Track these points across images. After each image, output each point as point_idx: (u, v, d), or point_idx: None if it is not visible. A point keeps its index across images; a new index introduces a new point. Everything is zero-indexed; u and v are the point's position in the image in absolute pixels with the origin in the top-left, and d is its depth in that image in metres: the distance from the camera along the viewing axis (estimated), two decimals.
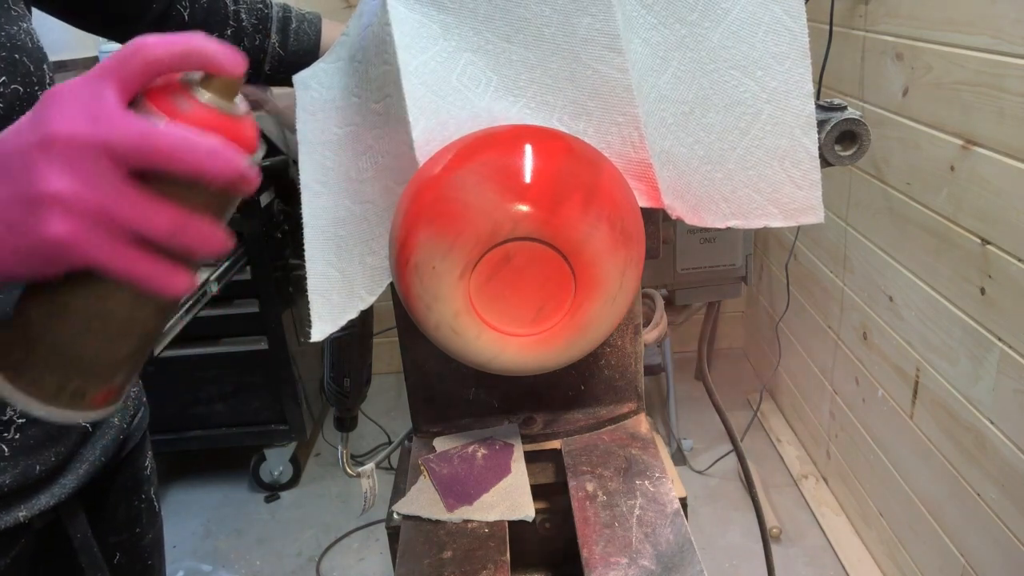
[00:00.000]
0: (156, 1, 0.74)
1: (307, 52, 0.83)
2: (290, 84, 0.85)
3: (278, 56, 0.82)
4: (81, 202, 0.35)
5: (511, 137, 0.56)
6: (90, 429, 0.69)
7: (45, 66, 0.59)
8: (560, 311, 0.57)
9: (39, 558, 0.67)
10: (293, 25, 0.82)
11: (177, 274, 0.38)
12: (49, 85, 0.60)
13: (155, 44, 0.36)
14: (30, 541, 0.65)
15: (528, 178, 0.53)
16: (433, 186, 0.54)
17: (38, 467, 0.63)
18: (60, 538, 0.68)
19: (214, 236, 0.38)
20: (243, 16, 0.80)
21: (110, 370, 0.41)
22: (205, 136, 0.36)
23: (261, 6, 0.82)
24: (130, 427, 0.76)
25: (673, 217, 0.64)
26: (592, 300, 0.57)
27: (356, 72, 0.65)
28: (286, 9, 0.83)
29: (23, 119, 0.36)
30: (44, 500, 0.64)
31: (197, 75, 0.38)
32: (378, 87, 0.62)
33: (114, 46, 1.81)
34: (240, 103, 0.40)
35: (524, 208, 0.53)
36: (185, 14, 0.76)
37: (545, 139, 0.56)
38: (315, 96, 0.69)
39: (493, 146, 0.55)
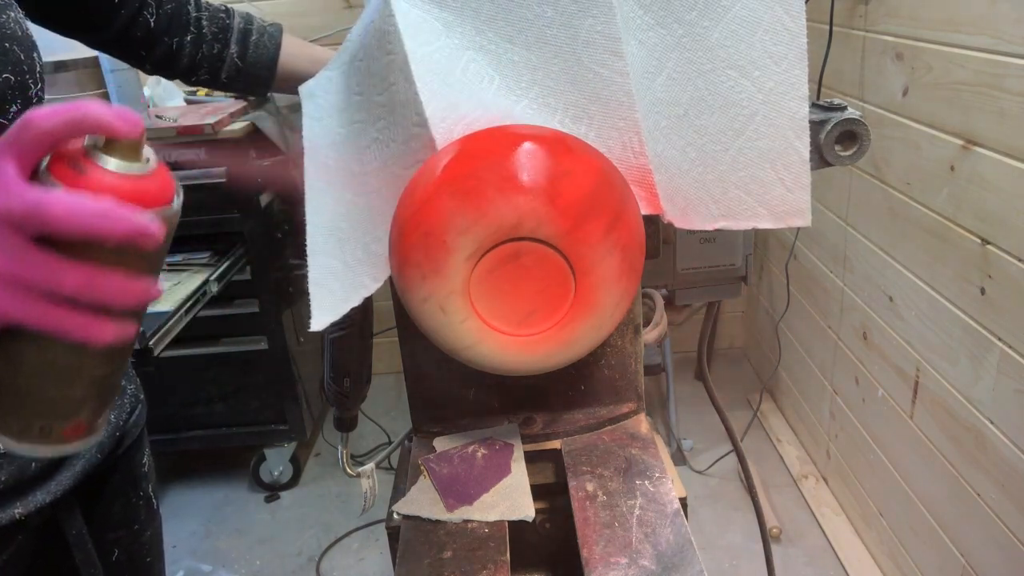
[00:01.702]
0: (124, 8, 0.76)
1: (264, 65, 0.85)
2: (247, 94, 0.87)
3: (235, 66, 0.84)
4: None
5: (555, 140, 0.56)
6: None
7: (35, 54, 0.60)
8: (550, 321, 0.57)
9: (36, 555, 0.67)
10: (253, 37, 0.84)
11: (100, 325, 0.41)
12: (40, 73, 0.61)
13: (44, 117, 0.38)
14: (26, 538, 0.66)
15: (564, 186, 0.54)
16: (468, 161, 0.54)
17: (33, 464, 0.63)
18: (56, 535, 0.69)
19: (127, 288, 0.41)
20: (204, 24, 0.83)
21: (71, 409, 0.44)
22: (96, 199, 0.39)
23: (223, 16, 0.84)
24: (127, 424, 0.76)
25: (664, 222, 0.64)
26: (583, 320, 0.57)
27: (358, 71, 0.66)
28: (248, 21, 0.86)
29: None
30: (40, 497, 0.64)
31: (101, 139, 0.40)
32: (381, 78, 0.61)
33: None
34: (147, 159, 0.42)
35: (552, 212, 0.53)
36: (151, 20, 0.79)
37: (586, 154, 0.56)
38: (320, 103, 0.70)
39: (538, 143, 0.55)
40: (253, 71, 0.85)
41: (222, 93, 1.97)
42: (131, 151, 0.41)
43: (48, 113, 0.38)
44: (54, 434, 0.44)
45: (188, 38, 0.82)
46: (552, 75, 0.60)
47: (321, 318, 0.65)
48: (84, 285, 0.40)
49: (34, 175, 0.39)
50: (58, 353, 0.42)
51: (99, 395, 0.46)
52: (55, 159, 0.40)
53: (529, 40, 0.60)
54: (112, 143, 0.40)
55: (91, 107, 0.39)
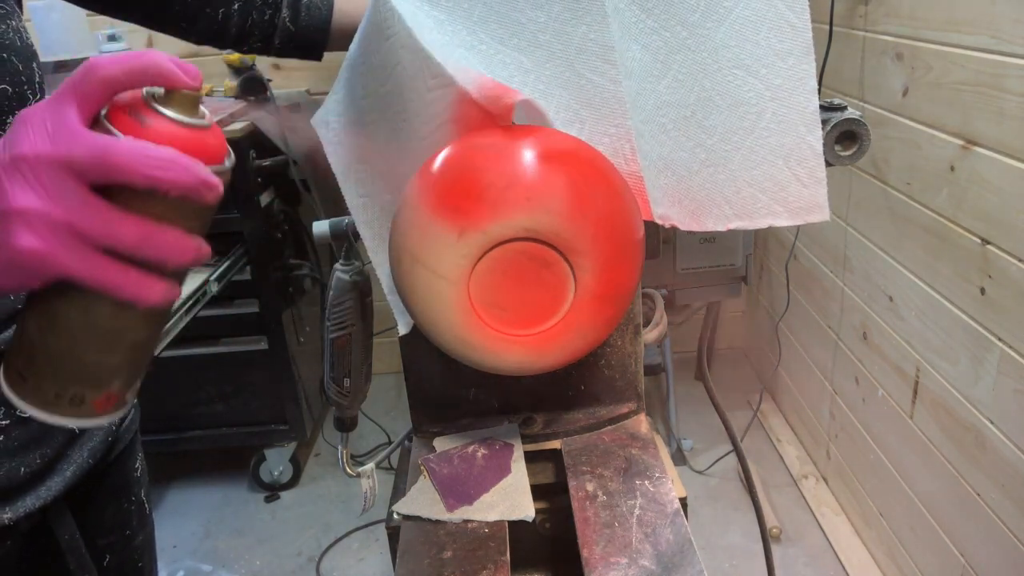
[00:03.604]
0: None
1: (319, 27, 0.82)
2: (302, 57, 0.83)
3: (288, 31, 0.81)
4: (47, 216, 0.37)
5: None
6: (76, 431, 0.68)
7: (35, 64, 0.59)
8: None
9: (26, 560, 0.67)
10: (304, 0, 0.81)
11: (151, 283, 0.40)
12: (39, 84, 0.60)
13: (108, 64, 0.38)
14: (16, 543, 0.65)
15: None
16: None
17: (23, 469, 0.62)
18: (47, 540, 0.68)
19: (183, 245, 0.40)
20: None
21: (106, 377, 0.43)
22: (160, 148, 0.38)
23: None
24: (119, 429, 0.75)
25: (667, 226, 0.63)
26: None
27: (361, 75, 0.65)
28: None
29: None
30: (30, 502, 0.63)
31: (159, 91, 0.40)
32: (383, 67, 0.61)
33: (113, 46, 1.81)
34: (204, 114, 0.41)
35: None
36: None
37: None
38: (335, 127, 0.70)
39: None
40: (307, 34, 0.82)
41: (224, 92, 1.97)
42: (190, 104, 0.40)
43: (112, 60, 0.38)
44: (86, 404, 0.43)
45: (235, 7, 0.78)
46: (543, 79, 0.60)
47: (405, 319, 0.70)
48: (142, 239, 0.38)
49: (94, 123, 0.39)
50: (102, 313, 0.40)
51: (134, 363, 0.44)
52: (114, 108, 0.39)
53: (521, 43, 0.59)
54: (171, 95, 0.40)
55: (155, 56, 0.38)
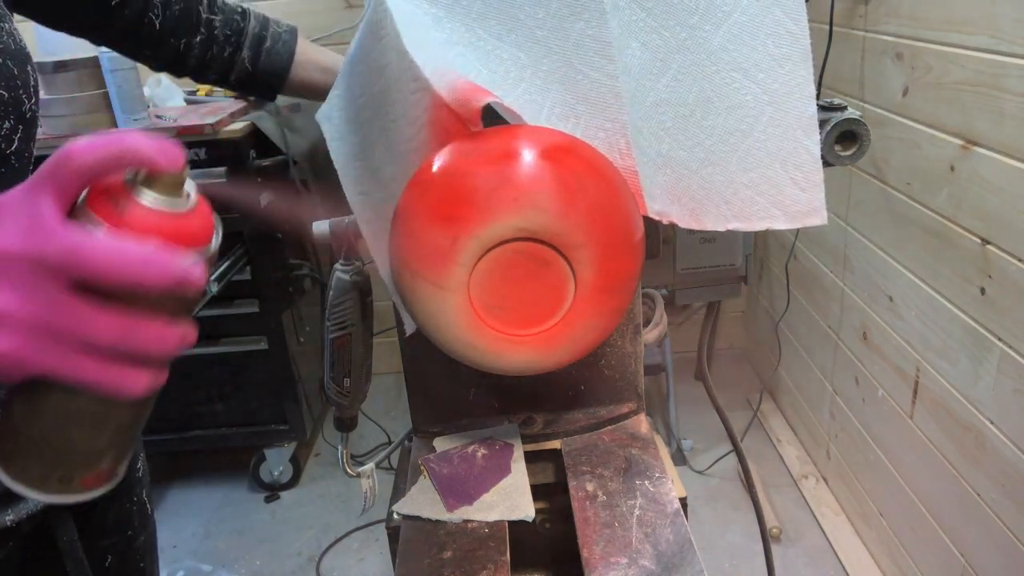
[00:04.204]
0: (126, 8, 0.75)
1: (276, 73, 0.84)
2: (256, 96, 0.87)
3: (245, 71, 0.84)
4: (23, 316, 0.36)
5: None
6: None
7: (29, 67, 0.59)
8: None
9: (26, 561, 0.66)
10: (267, 44, 0.83)
11: (133, 375, 0.38)
12: (34, 87, 0.59)
13: (83, 151, 0.36)
14: (17, 545, 0.65)
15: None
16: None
17: None
18: (47, 542, 0.68)
19: (166, 335, 0.39)
20: (216, 25, 0.81)
21: (92, 459, 0.43)
22: (140, 244, 0.37)
23: (238, 18, 0.83)
24: None
25: (665, 223, 0.63)
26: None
27: (359, 74, 0.66)
28: (263, 26, 0.84)
29: None
30: (31, 504, 0.63)
31: (142, 172, 0.38)
32: (376, 68, 0.61)
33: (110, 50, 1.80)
34: (189, 193, 0.40)
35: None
36: (157, 22, 0.77)
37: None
38: (336, 123, 0.71)
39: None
40: (263, 78, 0.84)
41: (223, 92, 1.97)
42: (173, 186, 0.38)
43: (88, 146, 0.36)
44: (75, 483, 0.42)
45: (197, 39, 0.80)
46: (540, 74, 0.60)
47: (411, 320, 0.68)
48: (121, 336, 0.37)
49: (72, 211, 0.37)
50: (86, 403, 0.40)
51: (123, 443, 0.44)
52: (94, 193, 0.37)
53: (519, 39, 0.59)
54: (153, 176, 0.38)
55: (132, 140, 0.37)
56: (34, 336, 0.36)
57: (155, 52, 0.80)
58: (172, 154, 0.37)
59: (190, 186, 0.40)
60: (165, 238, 0.38)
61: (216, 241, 0.41)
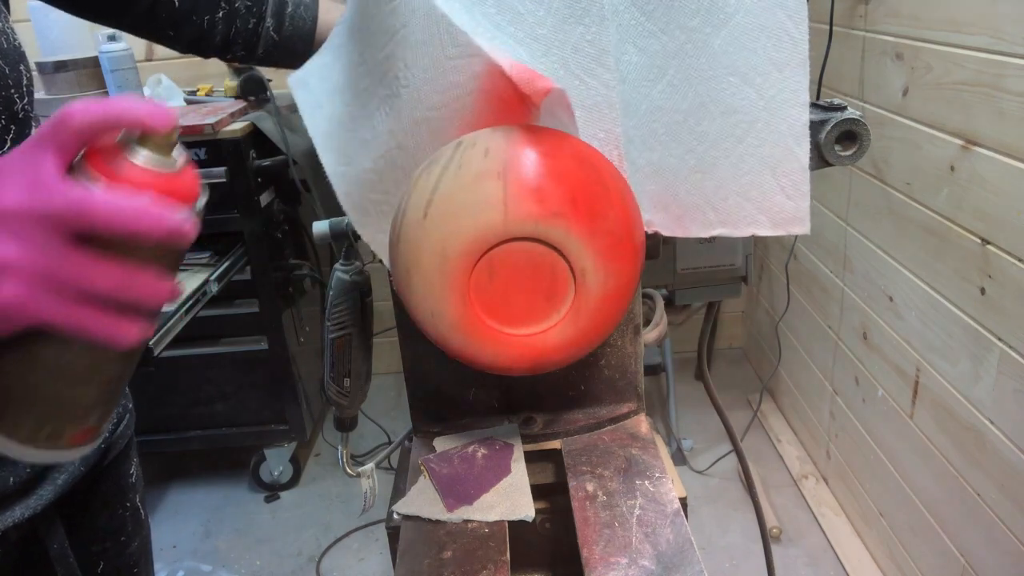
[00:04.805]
0: None
1: (302, 37, 0.82)
2: (284, 66, 0.83)
3: (272, 40, 0.81)
4: (25, 267, 0.38)
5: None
6: None
7: (22, 67, 0.58)
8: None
9: (16, 569, 0.66)
10: (289, 9, 0.81)
11: (126, 325, 0.41)
12: (27, 87, 0.59)
13: (82, 112, 0.39)
14: (7, 552, 0.64)
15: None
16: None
17: (12, 479, 0.61)
18: (38, 548, 0.67)
19: (158, 287, 0.41)
20: None
21: (82, 413, 0.45)
22: (136, 197, 0.39)
23: None
24: (113, 435, 0.74)
25: (649, 232, 0.64)
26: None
27: (357, 40, 0.64)
28: None
29: None
30: (19, 512, 0.62)
31: (135, 134, 0.41)
32: (384, 32, 0.60)
33: (112, 47, 1.81)
34: (178, 156, 0.42)
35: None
36: (176, 1, 0.76)
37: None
38: (315, 90, 0.69)
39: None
40: (290, 45, 0.82)
41: (225, 91, 1.97)
42: (164, 147, 0.41)
43: (85, 108, 0.38)
44: (63, 439, 0.44)
45: (219, 15, 0.78)
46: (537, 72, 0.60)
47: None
48: (118, 285, 0.40)
49: (69, 170, 0.40)
50: (79, 353, 0.42)
51: (110, 398, 0.46)
52: (90, 153, 0.40)
53: (518, 34, 0.59)
54: (146, 138, 0.41)
55: (127, 103, 0.39)
56: (36, 285, 0.38)
57: (178, 32, 0.78)
58: (163, 116, 0.40)
59: (178, 150, 0.43)
60: (159, 194, 0.40)
61: (203, 200, 0.44)
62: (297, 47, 0.82)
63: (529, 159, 0.54)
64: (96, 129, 0.39)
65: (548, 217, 0.53)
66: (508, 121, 0.57)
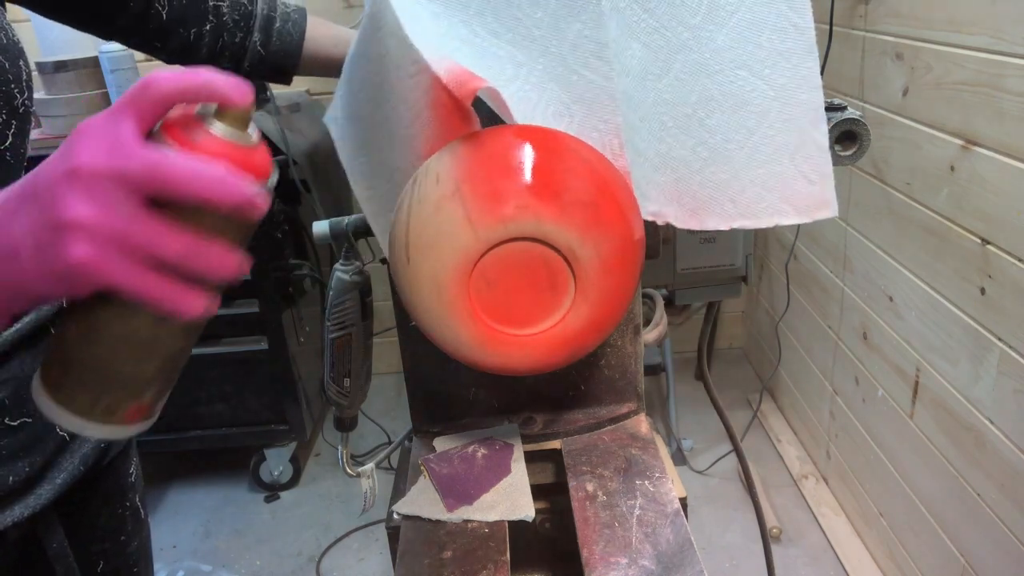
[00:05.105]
0: (131, 1, 0.74)
1: (289, 53, 0.83)
2: (271, 81, 0.84)
3: (258, 55, 0.82)
4: (99, 227, 0.37)
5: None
6: (67, 438, 0.67)
7: (21, 62, 0.59)
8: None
9: (15, 568, 0.66)
10: (277, 25, 0.81)
11: (192, 296, 0.40)
12: (27, 82, 0.59)
13: (164, 80, 0.39)
14: (6, 551, 0.64)
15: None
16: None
17: (11, 478, 0.62)
18: (37, 547, 0.67)
19: (227, 259, 0.41)
20: (224, 11, 0.79)
21: (139, 388, 0.44)
22: (213, 165, 0.39)
23: (245, 2, 0.80)
24: None
25: (660, 223, 0.63)
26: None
27: (359, 68, 0.65)
28: (272, 7, 0.82)
29: (57, 152, 0.39)
30: (18, 511, 0.63)
31: (212, 107, 0.41)
32: (376, 56, 0.61)
33: (112, 47, 1.81)
34: (252, 132, 0.42)
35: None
36: (163, 12, 0.76)
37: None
38: (342, 123, 0.71)
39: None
40: (277, 60, 0.82)
41: None
42: (241, 121, 0.41)
43: (169, 77, 0.39)
44: (117, 414, 0.44)
45: (207, 27, 0.78)
46: (536, 72, 0.60)
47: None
48: (189, 253, 0.39)
49: (149, 136, 0.40)
50: (143, 324, 0.41)
51: (167, 375, 0.45)
52: (168, 123, 0.40)
53: (516, 38, 0.59)
54: (223, 112, 0.41)
55: (209, 74, 0.39)
56: (107, 247, 0.38)
57: (164, 44, 0.78)
58: (244, 90, 0.40)
59: (252, 125, 0.43)
60: (233, 166, 0.40)
61: (274, 178, 0.44)
62: (284, 63, 0.83)
63: (476, 168, 0.54)
64: (176, 99, 0.39)
65: (513, 214, 0.53)
66: (468, 129, 0.57)
